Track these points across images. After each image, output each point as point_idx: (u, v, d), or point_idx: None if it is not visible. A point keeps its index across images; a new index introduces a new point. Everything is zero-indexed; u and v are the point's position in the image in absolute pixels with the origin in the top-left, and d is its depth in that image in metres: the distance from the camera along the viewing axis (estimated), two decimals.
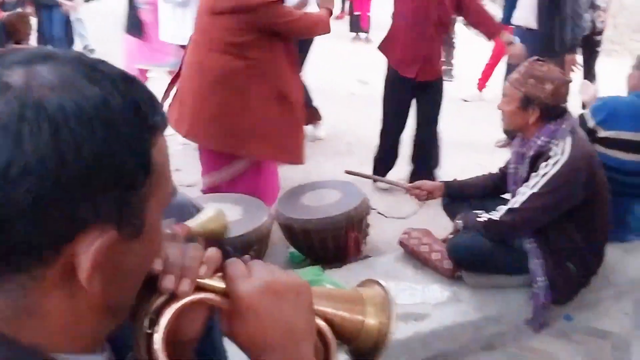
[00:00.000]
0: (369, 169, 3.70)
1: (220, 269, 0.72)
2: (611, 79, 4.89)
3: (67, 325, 0.56)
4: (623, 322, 2.55)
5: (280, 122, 2.90)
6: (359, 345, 0.81)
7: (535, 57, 2.44)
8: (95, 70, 0.54)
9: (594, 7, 5.31)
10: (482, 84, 6.06)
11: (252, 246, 2.52)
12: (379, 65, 3.87)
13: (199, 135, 2.93)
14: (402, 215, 3.04)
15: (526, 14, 4.26)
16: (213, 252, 0.72)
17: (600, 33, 5.57)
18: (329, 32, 3.00)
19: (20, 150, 0.48)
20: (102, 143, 0.51)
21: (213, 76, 2.79)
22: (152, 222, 0.59)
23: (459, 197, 2.80)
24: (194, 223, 1.40)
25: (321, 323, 0.76)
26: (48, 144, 0.49)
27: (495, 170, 2.80)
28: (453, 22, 5.12)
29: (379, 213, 3.02)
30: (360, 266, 2.70)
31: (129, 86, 0.55)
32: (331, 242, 2.74)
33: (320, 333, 0.76)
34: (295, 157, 3.06)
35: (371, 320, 0.80)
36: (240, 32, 2.72)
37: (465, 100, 6.07)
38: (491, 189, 2.77)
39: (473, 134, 4.94)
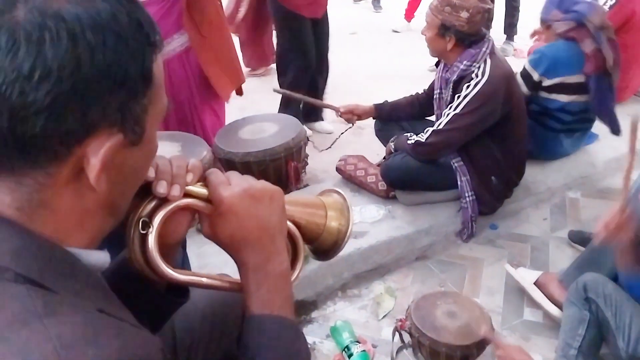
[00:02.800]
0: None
1: (202, 179, 0.82)
2: (533, 6, 5.00)
3: (76, 221, 0.65)
4: (542, 227, 2.78)
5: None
6: (321, 244, 0.95)
7: None
8: None
9: None
10: (409, 14, 6.10)
11: None
12: None
13: None
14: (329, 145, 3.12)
15: None
16: (196, 162, 0.82)
17: None
18: None
19: (42, 56, 0.54)
20: (112, 52, 0.59)
21: None
22: (150, 131, 0.68)
23: (388, 118, 2.91)
24: None
25: (290, 224, 0.89)
26: (67, 50, 0.55)
27: (421, 91, 2.90)
28: None
29: (314, 146, 3.10)
30: (301, 194, 2.79)
31: (133, 6, 0.63)
32: (272, 173, 2.78)
33: (289, 233, 0.89)
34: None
35: (332, 223, 0.94)
36: None
37: (395, 31, 6.13)
38: (417, 109, 2.88)
39: (404, 64, 5.03)
